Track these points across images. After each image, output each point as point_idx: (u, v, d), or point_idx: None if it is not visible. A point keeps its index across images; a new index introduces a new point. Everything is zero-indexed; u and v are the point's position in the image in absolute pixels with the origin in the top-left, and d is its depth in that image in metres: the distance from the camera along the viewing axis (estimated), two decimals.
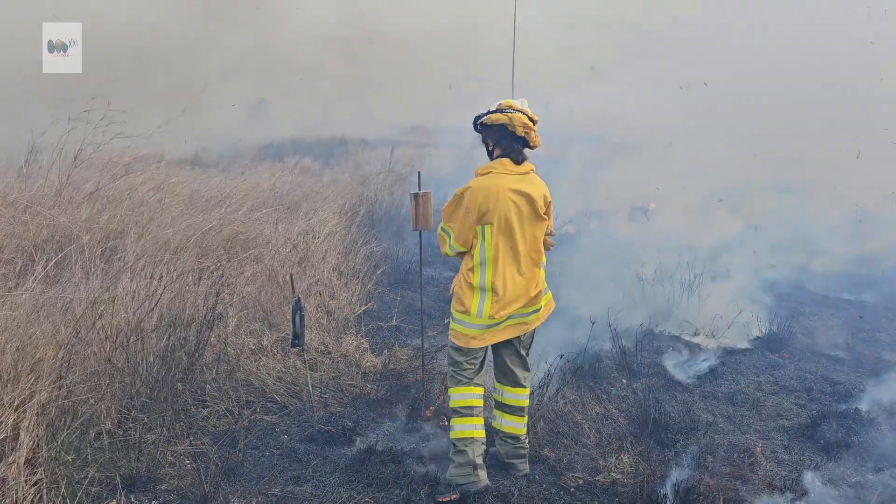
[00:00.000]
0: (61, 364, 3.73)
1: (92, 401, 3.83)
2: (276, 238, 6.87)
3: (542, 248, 3.93)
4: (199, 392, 4.58)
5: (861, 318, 7.31)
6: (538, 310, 3.91)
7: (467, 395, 3.88)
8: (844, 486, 4.04)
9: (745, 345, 6.41)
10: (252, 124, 18.75)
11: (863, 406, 5.02)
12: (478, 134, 3.98)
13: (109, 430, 3.82)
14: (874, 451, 4.44)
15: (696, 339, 6.40)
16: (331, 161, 16.07)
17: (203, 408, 4.48)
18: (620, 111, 12.36)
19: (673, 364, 5.87)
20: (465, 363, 3.88)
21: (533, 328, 3.94)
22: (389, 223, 10.32)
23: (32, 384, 3.44)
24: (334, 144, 19.73)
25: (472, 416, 3.87)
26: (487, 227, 3.75)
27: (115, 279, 4.99)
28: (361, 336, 5.94)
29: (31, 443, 3.20)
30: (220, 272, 5.91)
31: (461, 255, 3.90)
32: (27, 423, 3.19)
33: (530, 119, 3.82)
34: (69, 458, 3.49)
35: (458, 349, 3.89)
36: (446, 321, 4.82)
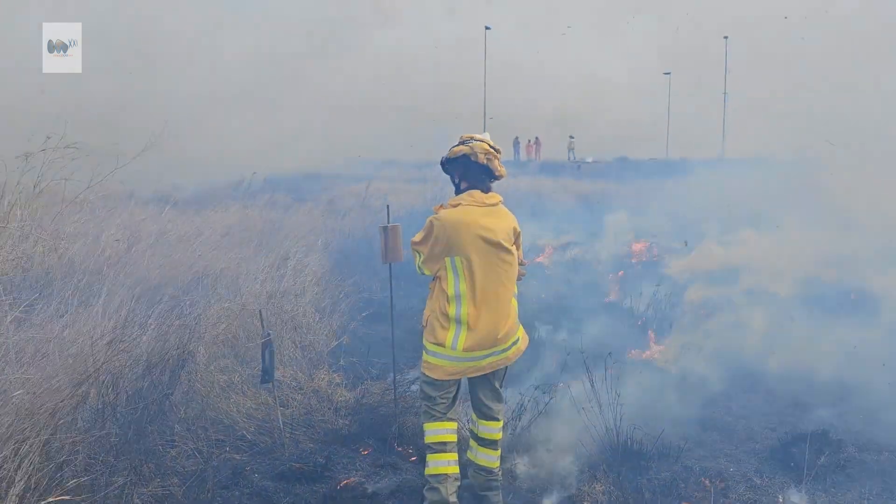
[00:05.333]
0: (37, 408, 3.64)
1: (61, 444, 3.74)
2: (248, 273, 6.84)
3: (514, 279, 3.96)
4: (167, 432, 4.50)
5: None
6: (516, 342, 3.92)
7: (440, 430, 3.87)
8: None
9: (713, 369, 6.46)
10: (225, 161, 18.73)
11: (831, 428, 5.08)
12: (447, 175, 4.03)
13: (75, 473, 3.73)
14: (843, 472, 4.50)
15: (665, 364, 6.45)
16: (305, 196, 16.08)
17: (171, 447, 4.40)
18: None
19: (643, 390, 5.90)
20: (438, 398, 3.87)
21: (510, 362, 3.94)
22: (363, 256, 10.32)
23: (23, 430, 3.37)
24: (308, 179, 19.76)
25: (444, 451, 3.85)
26: (458, 260, 3.76)
27: (87, 319, 4.91)
28: (334, 371, 5.91)
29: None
30: (192, 309, 5.85)
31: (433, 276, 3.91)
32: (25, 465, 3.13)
33: (492, 147, 3.87)
34: None
35: (432, 383, 3.88)
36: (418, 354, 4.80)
